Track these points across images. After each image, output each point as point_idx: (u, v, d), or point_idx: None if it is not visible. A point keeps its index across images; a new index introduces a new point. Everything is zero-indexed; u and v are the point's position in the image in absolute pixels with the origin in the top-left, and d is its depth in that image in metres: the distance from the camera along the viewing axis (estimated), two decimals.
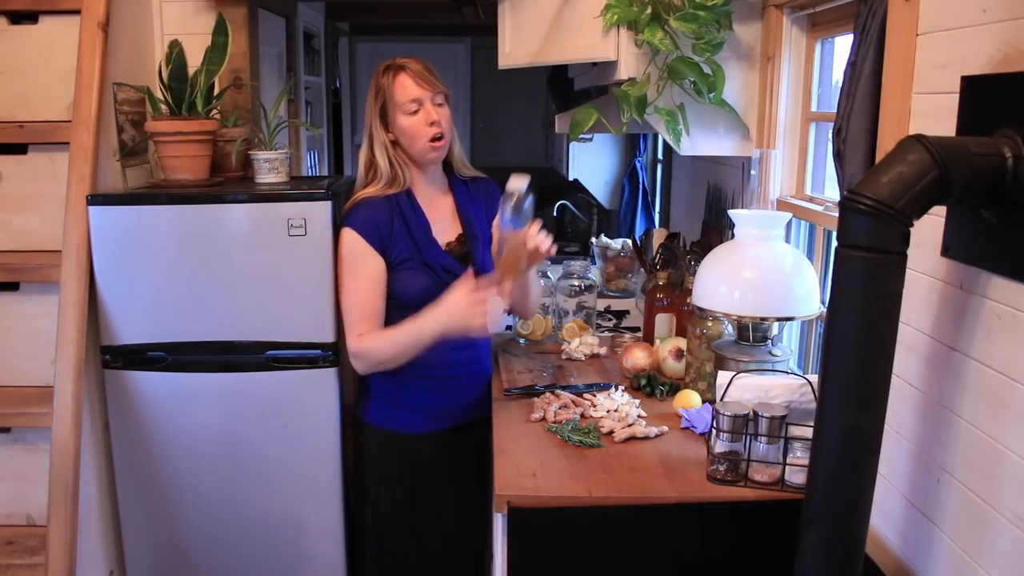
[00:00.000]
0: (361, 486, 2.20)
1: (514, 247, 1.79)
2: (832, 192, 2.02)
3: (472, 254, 2.07)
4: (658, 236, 2.93)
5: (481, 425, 2.09)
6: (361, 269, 1.95)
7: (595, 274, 2.95)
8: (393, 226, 1.98)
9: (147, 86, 2.46)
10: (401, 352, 1.93)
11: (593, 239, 3.69)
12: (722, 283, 1.79)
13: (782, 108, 2.11)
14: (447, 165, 2.12)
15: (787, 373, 1.77)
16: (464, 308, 1.80)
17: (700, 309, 1.87)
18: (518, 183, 1.77)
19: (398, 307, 1.99)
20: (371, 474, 2.15)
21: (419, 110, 1.94)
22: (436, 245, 2.03)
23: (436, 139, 1.96)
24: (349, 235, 1.97)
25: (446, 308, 1.85)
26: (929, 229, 1.26)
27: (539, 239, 1.81)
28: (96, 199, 2.17)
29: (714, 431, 1.60)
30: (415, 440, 2.08)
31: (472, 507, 2.18)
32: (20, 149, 2.32)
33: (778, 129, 2.12)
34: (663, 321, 2.34)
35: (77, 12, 2.26)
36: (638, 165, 4.15)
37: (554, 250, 1.86)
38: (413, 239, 1.99)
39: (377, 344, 1.96)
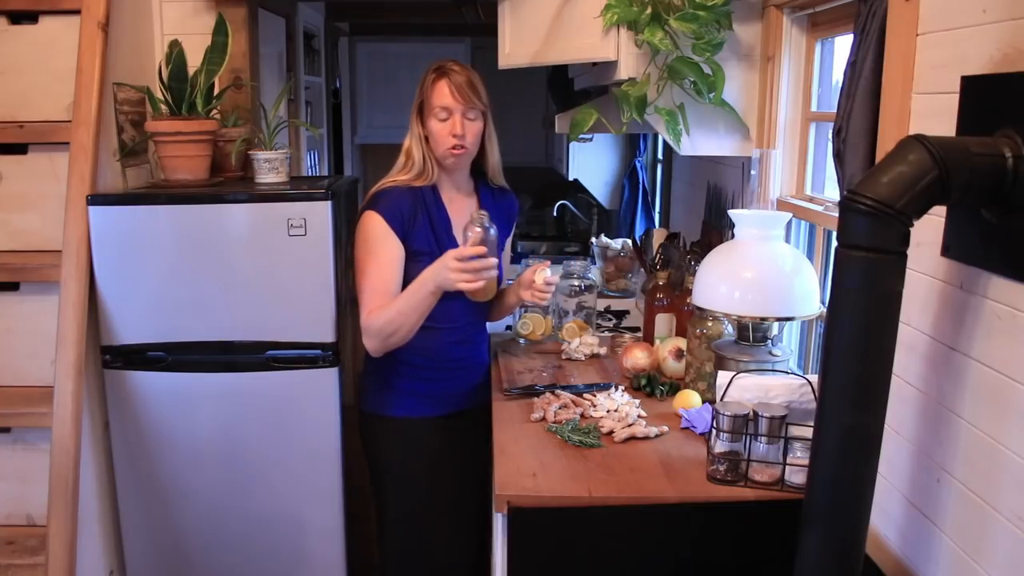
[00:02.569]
0: (371, 479, 2.24)
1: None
2: (832, 192, 2.02)
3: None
4: (658, 236, 2.93)
5: (479, 413, 2.13)
6: (382, 249, 1.99)
7: (595, 274, 2.95)
8: (416, 217, 2.04)
9: (147, 86, 2.46)
10: (404, 313, 1.95)
11: (593, 239, 3.69)
12: (722, 283, 1.79)
13: (782, 108, 2.11)
14: (479, 171, 2.18)
15: (787, 373, 1.77)
16: (450, 270, 1.86)
17: (700, 309, 1.87)
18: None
19: None
20: (373, 463, 2.19)
21: (448, 118, 2.00)
22: (455, 243, 2.06)
23: (455, 148, 2.02)
24: (373, 218, 2.00)
25: (438, 265, 1.91)
26: (929, 229, 1.26)
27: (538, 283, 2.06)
28: (96, 199, 2.18)
29: (714, 431, 1.60)
30: (414, 424, 2.12)
31: (475, 494, 2.21)
32: (20, 149, 2.32)
33: (778, 129, 2.12)
34: (663, 321, 2.34)
35: (77, 12, 2.26)
36: (638, 165, 4.15)
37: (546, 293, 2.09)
38: (434, 234, 2.05)
39: (382, 313, 1.97)
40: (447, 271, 1.86)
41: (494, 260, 1.86)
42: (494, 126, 2.14)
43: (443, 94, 2.00)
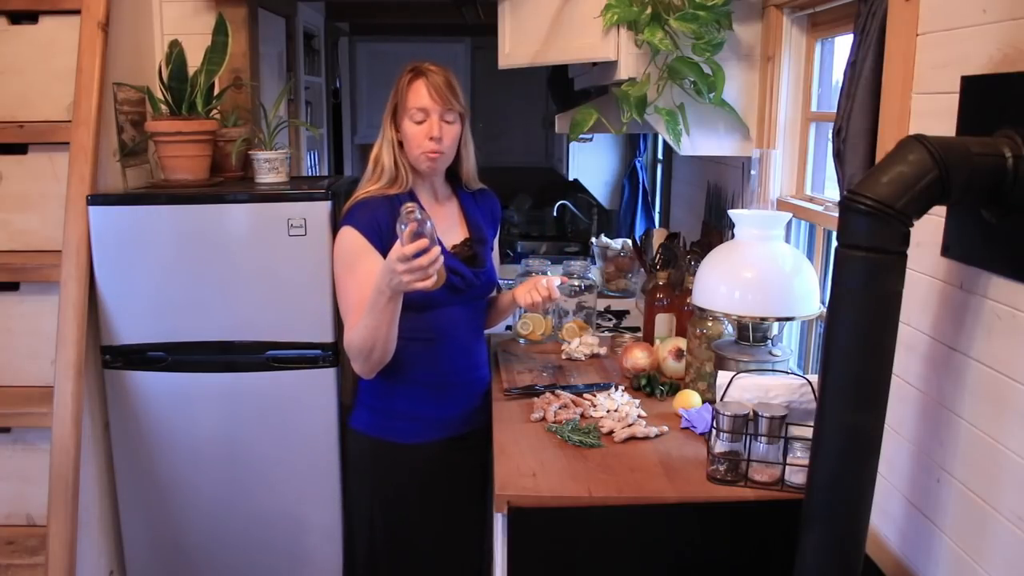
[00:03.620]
0: (352, 497, 2.13)
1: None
2: (832, 192, 2.02)
3: (479, 257, 2.04)
4: (658, 236, 2.93)
5: (480, 436, 2.03)
6: (360, 266, 1.88)
7: (595, 274, 2.95)
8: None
9: (147, 86, 2.46)
10: (372, 327, 1.79)
11: (593, 239, 3.69)
12: (722, 283, 1.79)
13: (782, 108, 2.11)
14: (454, 176, 2.07)
15: (787, 373, 1.77)
16: (397, 273, 1.67)
17: (700, 309, 1.87)
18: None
19: (402, 309, 1.87)
20: (361, 486, 2.07)
21: (424, 120, 1.90)
22: (441, 246, 1.93)
23: (431, 152, 1.92)
24: (349, 233, 1.90)
25: (385, 270, 1.72)
26: (929, 229, 1.26)
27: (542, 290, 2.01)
28: (96, 199, 2.18)
29: (714, 431, 1.60)
30: (410, 451, 2.00)
31: (471, 519, 2.10)
32: (20, 149, 2.33)
33: (778, 129, 2.12)
34: (663, 321, 2.34)
35: (77, 12, 2.26)
36: (638, 165, 4.15)
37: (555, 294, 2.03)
38: None
39: (356, 331, 1.84)
40: (396, 275, 1.67)
41: (437, 249, 1.67)
42: (471, 131, 2.03)
43: (420, 95, 1.89)
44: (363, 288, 1.85)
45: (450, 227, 2.04)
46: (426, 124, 1.90)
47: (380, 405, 2.01)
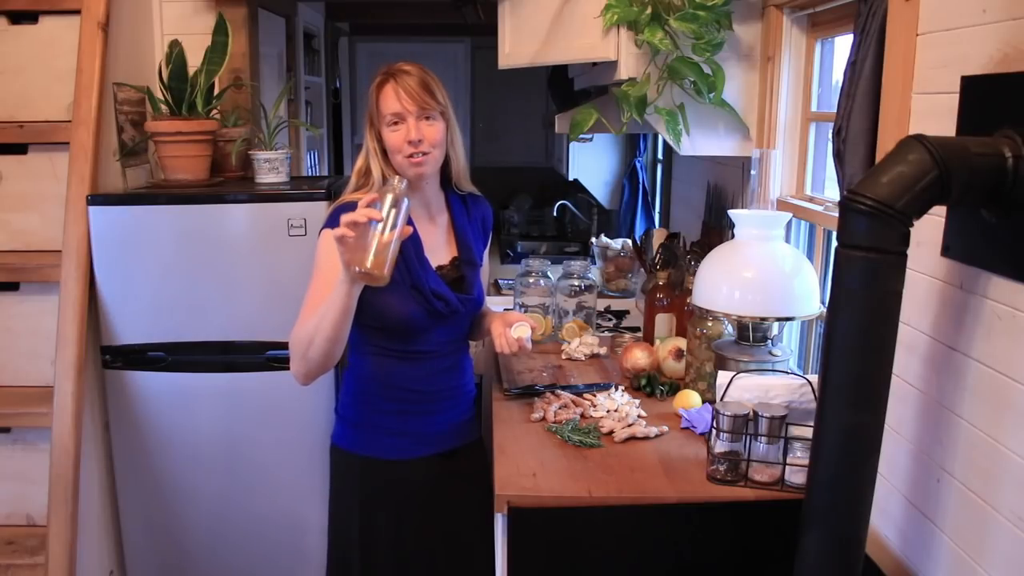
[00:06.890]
0: (338, 522, 1.99)
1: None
2: (832, 192, 2.02)
3: (467, 281, 1.92)
4: (658, 236, 2.92)
5: (472, 449, 1.98)
6: (329, 272, 1.69)
7: (595, 274, 2.95)
8: None
9: (147, 86, 2.46)
10: (322, 315, 1.66)
11: (593, 239, 3.69)
12: (722, 283, 1.79)
13: (782, 108, 2.11)
14: (446, 179, 1.94)
15: (787, 373, 1.77)
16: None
17: (700, 309, 1.87)
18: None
19: (380, 329, 1.83)
20: (350, 510, 1.94)
21: (400, 124, 1.78)
22: (429, 268, 1.86)
23: (414, 157, 1.78)
24: (326, 237, 1.75)
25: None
26: (929, 229, 1.26)
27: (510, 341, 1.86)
28: (96, 199, 2.18)
29: (714, 431, 1.60)
30: (398, 467, 1.90)
31: (473, 532, 1.96)
32: (20, 149, 2.33)
33: (778, 129, 2.12)
34: (663, 321, 2.34)
35: (77, 12, 2.27)
36: (638, 165, 4.15)
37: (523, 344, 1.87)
38: (403, 259, 1.79)
39: (305, 322, 1.70)
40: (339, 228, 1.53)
41: (376, 225, 1.52)
42: (458, 127, 1.89)
43: (390, 99, 1.76)
44: (322, 289, 1.72)
45: (439, 245, 1.92)
46: (403, 128, 1.77)
47: (364, 421, 1.91)
